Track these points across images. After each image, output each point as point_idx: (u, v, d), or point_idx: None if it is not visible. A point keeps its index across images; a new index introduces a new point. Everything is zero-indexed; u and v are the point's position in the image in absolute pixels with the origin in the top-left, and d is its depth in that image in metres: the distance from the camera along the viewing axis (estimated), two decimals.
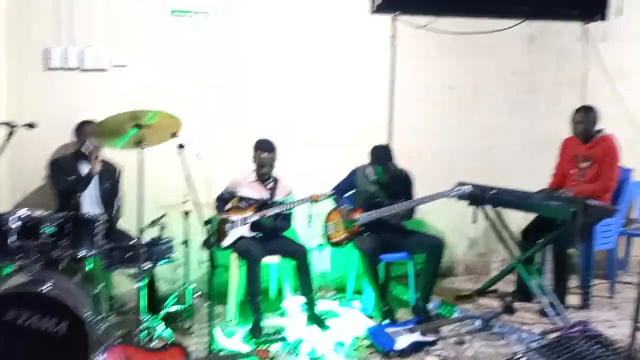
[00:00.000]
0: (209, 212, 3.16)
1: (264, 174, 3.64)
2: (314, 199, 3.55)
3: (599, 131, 3.69)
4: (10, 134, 2.64)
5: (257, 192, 3.68)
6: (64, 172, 3.42)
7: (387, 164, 3.67)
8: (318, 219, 3.93)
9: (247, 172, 3.72)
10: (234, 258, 3.63)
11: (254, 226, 3.59)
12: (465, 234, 4.44)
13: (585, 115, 3.64)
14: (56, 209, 2.98)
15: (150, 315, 3.17)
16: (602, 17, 2.71)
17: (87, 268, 3.00)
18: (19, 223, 2.67)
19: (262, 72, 4.03)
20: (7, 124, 2.64)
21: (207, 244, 2.67)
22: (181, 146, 2.79)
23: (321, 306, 3.75)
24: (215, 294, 3.17)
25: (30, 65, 3.66)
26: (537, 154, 4.47)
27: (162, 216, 3.17)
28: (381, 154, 3.71)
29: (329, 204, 3.84)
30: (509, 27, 2.98)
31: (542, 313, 3.42)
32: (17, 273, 2.66)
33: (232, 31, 3.93)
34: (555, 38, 4.41)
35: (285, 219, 3.70)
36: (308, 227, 3.76)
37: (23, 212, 2.71)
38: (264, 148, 3.60)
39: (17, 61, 3.64)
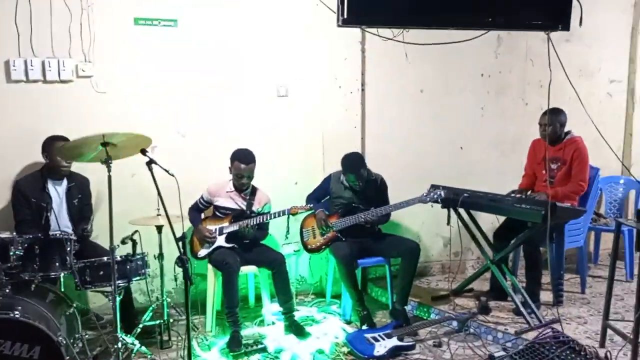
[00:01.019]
0: (181, 224, 3.14)
1: (241, 185, 3.61)
2: (293, 212, 3.54)
3: (567, 133, 3.78)
4: None
5: (234, 202, 3.65)
6: (28, 198, 3.31)
7: (359, 172, 3.68)
8: (295, 224, 3.93)
9: (224, 181, 3.69)
10: (210, 269, 3.61)
11: (230, 237, 3.57)
12: (440, 234, 4.50)
13: (553, 118, 3.72)
14: (18, 233, 2.89)
15: (127, 331, 3.13)
16: (565, 27, 2.77)
17: (59, 288, 2.94)
18: None
19: (232, 82, 3.98)
20: None
21: (180, 261, 2.63)
22: (151, 162, 2.74)
23: (300, 312, 3.76)
24: (193, 304, 3.16)
25: None
26: (507, 154, 4.56)
27: (134, 232, 3.13)
28: (352, 162, 3.72)
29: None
30: (474, 38, 3.03)
31: (517, 312, 3.49)
32: None
33: (200, 41, 3.86)
34: (521, 40, 4.50)
35: (262, 228, 3.68)
36: (286, 239, 3.75)
37: None
38: (242, 160, 3.55)
39: None
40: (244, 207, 3.64)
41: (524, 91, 4.63)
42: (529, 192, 3.87)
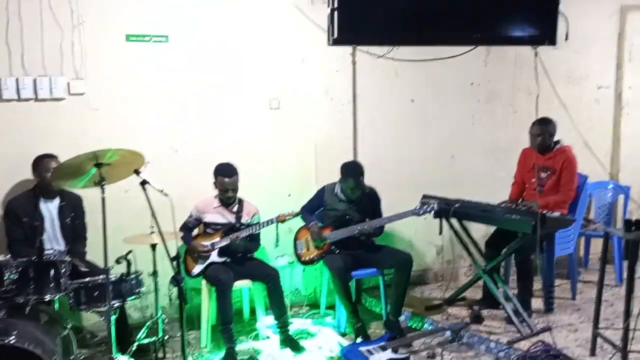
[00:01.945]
0: (176, 241, 3.17)
1: (227, 199, 3.64)
2: (280, 220, 3.58)
3: (557, 142, 3.83)
4: None
5: (223, 217, 3.67)
6: (20, 217, 3.33)
7: (359, 178, 3.71)
8: (288, 236, 3.96)
9: (210, 198, 3.70)
10: (204, 284, 3.62)
11: (223, 251, 3.59)
12: (433, 242, 4.54)
13: (543, 128, 3.77)
14: (12, 254, 2.90)
15: (121, 349, 3.15)
16: (551, 41, 2.82)
17: (53, 310, 2.95)
18: None
19: (223, 97, 4.00)
20: None
21: (175, 280, 2.66)
22: (144, 182, 2.77)
23: (295, 325, 3.78)
24: (188, 318, 3.17)
25: None
26: (497, 162, 4.59)
27: (129, 252, 3.14)
28: (353, 168, 3.76)
29: (300, 221, 3.87)
30: (462, 53, 3.08)
31: (509, 320, 3.53)
32: None
33: (191, 57, 3.88)
34: (510, 48, 4.51)
35: (253, 239, 3.70)
36: (275, 247, 3.78)
37: None
38: (225, 173, 3.59)
39: None
40: (233, 221, 3.66)
41: (513, 99, 4.67)
42: (519, 201, 3.91)
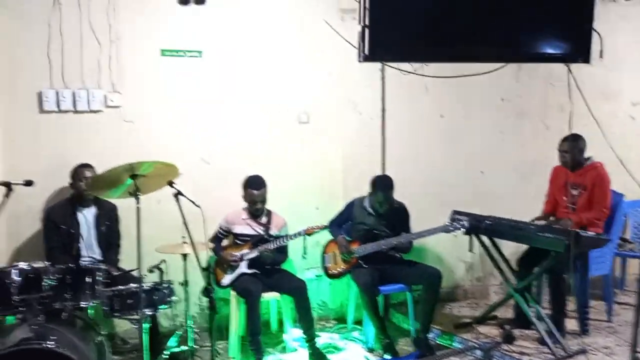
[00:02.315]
0: (207, 251, 3.22)
1: (256, 211, 3.67)
2: (308, 232, 3.59)
3: (588, 159, 3.75)
4: (8, 193, 2.66)
5: (252, 229, 3.70)
6: (58, 224, 3.43)
7: (389, 192, 3.71)
8: (316, 249, 3.97)
9: (239, 209, 3.75)
10: (233, 294, 3.65)
11: (251, 263, 3.62)
12: (462, 259, 4.48)
13: (572, 144, 3.70)
14: (49, 260, 2.98)
15: (151, 356, 3.18)
16: (585, 59, 2.78)
17: (88, 316, 3.01)
18: (21, 276, 2.68)
19: (254, 110, 4.07)
20: (6, 184, 2.66)
21: (206, 291, 2.69)
22: (179, 194, 2.82)
23: (322, 339, 3.76)
24: (217, 328, 3.20)
25: (25, 108, 3.67)
26: (527, 178, 4.52)
27: (161, 262, 3.19)
28: (384, 182, 3.76)
29: (327, 234, 3.87)
30: (493, 70, 3.07)
31: (541, 341, 3.44)
32: (20, 326, 2.67)
33: (223, 71, 3.97)
34: (542, 64, 4.49)
35: (281, 251, 3.72)
36: (303, 258, 3.79)
37: (23, 265, 2.72)
38: (254, 186, 3.63)
39: (11, 105, 3.64)
40: (262, 232, 3.69)
41: (545, 115, 4.61)
42: (551, 218, 3.83)
